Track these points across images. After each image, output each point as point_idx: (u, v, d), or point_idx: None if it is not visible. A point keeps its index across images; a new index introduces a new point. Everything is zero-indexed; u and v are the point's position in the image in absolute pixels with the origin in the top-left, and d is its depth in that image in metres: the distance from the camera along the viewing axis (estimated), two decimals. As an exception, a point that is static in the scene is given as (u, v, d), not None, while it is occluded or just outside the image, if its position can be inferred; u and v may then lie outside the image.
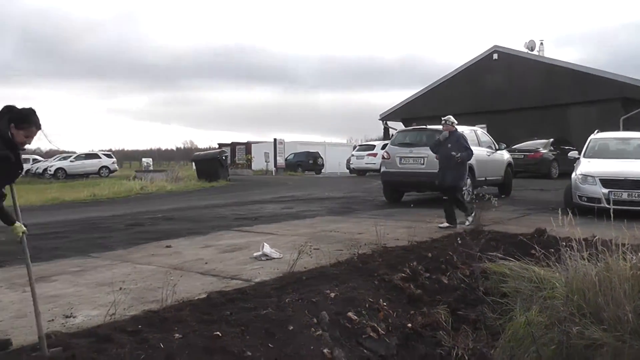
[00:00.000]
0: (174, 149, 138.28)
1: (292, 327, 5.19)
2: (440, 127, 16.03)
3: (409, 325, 6.18)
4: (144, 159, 65.85)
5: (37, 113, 4.67)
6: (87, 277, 7.25)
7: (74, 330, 4.99)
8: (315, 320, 5.46)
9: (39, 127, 4.63)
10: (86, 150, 48.57)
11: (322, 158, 48.82)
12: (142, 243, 9.80)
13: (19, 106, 4.62)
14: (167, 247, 9.25)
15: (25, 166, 50.61)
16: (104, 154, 47.32)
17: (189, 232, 11.08)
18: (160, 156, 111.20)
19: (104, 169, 44.72)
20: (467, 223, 10.77)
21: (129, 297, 5.75)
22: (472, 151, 11.16)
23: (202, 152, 38.28)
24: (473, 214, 10.98)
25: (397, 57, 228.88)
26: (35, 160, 52.80)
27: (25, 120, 4.54)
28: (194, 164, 37.32)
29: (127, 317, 5.25)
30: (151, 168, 49.73)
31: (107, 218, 14.29)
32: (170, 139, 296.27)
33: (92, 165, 44.73)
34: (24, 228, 4.72)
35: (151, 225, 12.29)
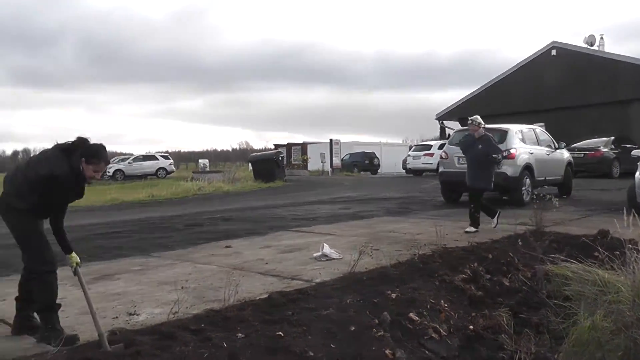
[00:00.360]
0: (230, 150, 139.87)
1: (353, 328, 5.16)
2: (498, 125, 15.86)
3: (471, 327, 6.07)
4: (200, 160, 66.75)
5: (106, 149, 4.90)
6: (149, 275, 7.37)
7: (137, 327, 5.06)
8: (376, 320, 5.41)
9: (107, 162, 4.91)
10: (144, 152, 49.52)
11: (378, 158, 48.64)
12: (201, 243, 9.90)
13: (91, 141, 4.83)
14: (227, 247, 9.32)
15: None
16: (161, 156, 48.14)
17: (247, 232, 11.14)
18: (216, 157, 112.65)
19: (161, 170, 45.45)
20: (493, 225, 10.56)
21: (191, 296, 5.80)
22: (503, 152, 11.16)
23: (258, 153, 38.56)
24: (497, 214, 10.72)
25: (454, 56, 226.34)
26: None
27: (95, 156, 4.76)
28: (250, 164, 37.56)
29: (189, 316, 5.29)
30: (208, 169, 50.42)
31: (166, 218, 14.50)
32: (226, 140, 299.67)
33: (149, 166, 45.54)
34: (78, 259, 4.89)
35: (210, 226, 12.41)
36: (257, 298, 5.92)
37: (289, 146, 59.24)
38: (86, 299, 4.75)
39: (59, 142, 4.93)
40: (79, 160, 4.70)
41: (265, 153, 36.93)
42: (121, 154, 62.61)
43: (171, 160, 48.41)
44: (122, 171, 44.24)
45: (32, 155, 5.09)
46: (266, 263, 7.96)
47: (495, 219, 10.66)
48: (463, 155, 15.23)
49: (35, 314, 5.02)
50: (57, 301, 4.92)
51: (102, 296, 6.28)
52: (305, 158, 52.90)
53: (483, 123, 10.67)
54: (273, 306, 5.60)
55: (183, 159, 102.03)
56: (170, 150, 79.63)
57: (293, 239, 10.18)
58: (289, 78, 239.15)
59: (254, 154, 40.73)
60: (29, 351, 4.57)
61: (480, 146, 10.44)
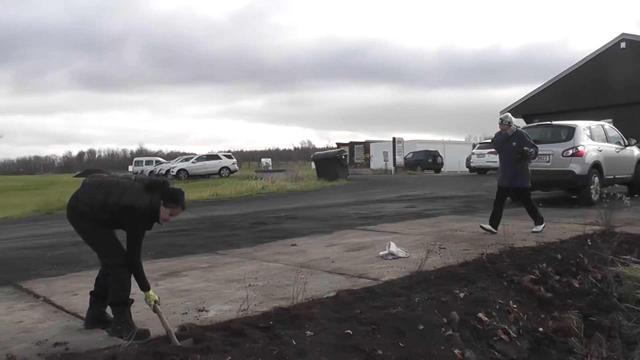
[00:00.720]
0: (292, 149, 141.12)
1: (422, 327, 5.12)
2: (565, 122, 15.43)
3: (540, 329, 5.96)
4: (263, 159, 67.43)
5: (183, 193, 5.06)
6: (216, 273, 7.46)
7: (207, 323, 5.12)
8: (445, 320, 5.36)
9: (184, 208, 5.02)
10: (206, 152, 50.13)
11: (441, 157, 48.23)
12: (267, 241, 9.98)
13: (171, 185, 5.08)
14: (293, 245, 9.36)
15: (149, 168, 53.59)
16: (224, 155, 48.63)
17: (312, 230, 11.19)
18: (279, 156, 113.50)
19: (224, 169, 45.87)
20: (535, 230, 10.00)
21: (259, 294, 5.84)
22: (537, 148, 10.23)
23: (321, 152, 38.65)
24: (543, 225, 10.12)
25: (518, 50, 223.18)
26: (158, 162, 55.25)
27: (173, 200, 4.93)
28: (313, 163, 37.74)
29: (258, 313, 5.32)
30: (270, 168, 50.78)
31: (231, 217, 14.68)
32: (288, 139, 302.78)
33: (213, 166, 46.03)
34: (157, 297, 4.97)
35: (275, 224, 12.50)
36: (325, 296, 5.93)
37: (351, 145, 59.27)
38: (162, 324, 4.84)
39: (140, 176, 5.24)
40: (158, 201, 4.87)
41: (328, 152, 37.01)
42: (184, 153, 63.74)
43: (234, 160, 48.88)
44: (186, 171, 44.87)
45: (115, 177, 5.20)
46: (332, 261, 7.95)
47: (540, 227, 10.07)
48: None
49: (108, 308, 5.15)
50: (130, 296, 5.03)
51: (170, 292, 6.40)
52: (368, 157, 52.85)
53: (514, 121, 10.26)
54: (341, 304, 5.59)
55: (246, 158, 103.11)
56: (232, 150, 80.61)
57: (359, 237, 10.15)
58: (350, 76, 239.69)
59: (317, 152, 40.82)
60: (101, 344, 4.68)
61: (514, 143, 9.98)
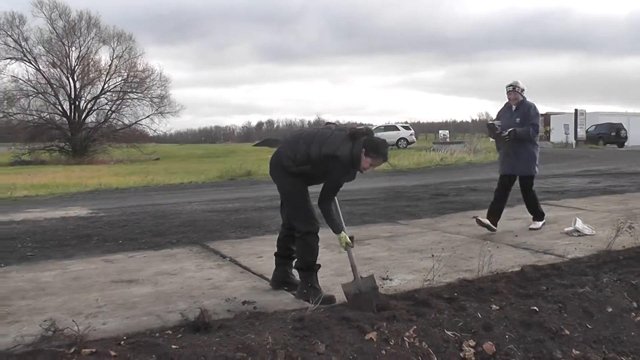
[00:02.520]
0: (469, 121, 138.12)
1: (610, 309, 4.92)
2: None
3: None
4: (440, 131, 66.69)
5: (386, 144, 5.05)
6: (398, 242, 7.53)
7: (391, 292, 5.17)
8: (635, 304, 5.11)
9: (385, 159, 4.98)
10: (384, 123, 50.33)
11: (625, 130, 45.37)
12: (448, 212, 9.98)
13: (375, 134, 5.08)
14: (474, 217, 9.19)
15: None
16: (402, 126, 48.64)
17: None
18: (456, 128, 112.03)
19: (402, 140, 45.88)
20: (533, 227, 8.40)
21: (442, 265, 5.78)
22: (538, 127, 8.32)
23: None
24: (543, 222, 8.50)
25: None
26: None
27: (375, 150, 4.90)
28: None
29: (442, 284, 5.30)
30: (448, 140, 50.12)
31: (410, 188, 14.70)
32: (465, 111, 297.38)
33: (390, 137, 45.96)
34: (348, 239, 5.03)
35: (456, 196, 12.41)
36: (510, 271, 5.82)
37: (531, 117, 57.18)
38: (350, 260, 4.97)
39: (342, 125, 5.34)
40: (360, 148, 4.88)
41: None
42: (361, 124, 64.24)
43: (412, 131, 48.78)
44: (364, 142, 45.32)
45: (316, 129, 5.32)
46: (516, 235, 7.83)
47: (539, 223, 8.47)
48: None
49: (294, 271, 5.32)
50: (317, 262, 5.17)
51: (355, 259, 6.47)
52: (548, 129, 50.72)
53: (525, 89, 8.31)
54: (526, 280, 5.49)
55: (423, 129, 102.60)
56: (410, 121, 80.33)
57: (543, 212, 9.78)
58: (529, 46, 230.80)
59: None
60: (288, 306, 4.87)
61: (518, 119, 8.14)
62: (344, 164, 4.88)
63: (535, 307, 4.72)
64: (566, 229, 7.91)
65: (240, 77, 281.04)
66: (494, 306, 4.74)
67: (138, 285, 5.67)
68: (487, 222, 8.18)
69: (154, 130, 56.37)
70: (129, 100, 54.19)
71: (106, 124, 53.63)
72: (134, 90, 54.14)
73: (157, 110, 54.32)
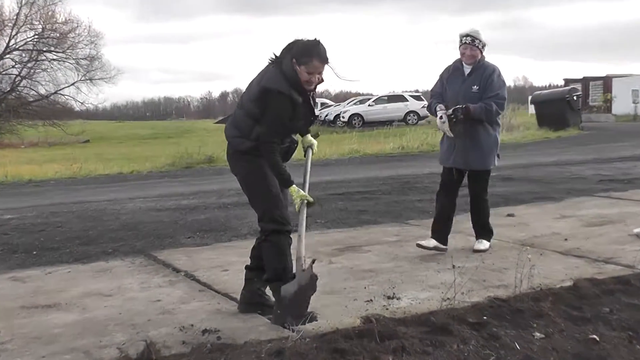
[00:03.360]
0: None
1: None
2: None
3: None
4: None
5: (322, 44, 5.02)
6: (407, 248, 7.53)
7: (399, 315, 5.13)
8: None
9: (324, 60, 4.96)
10: (388, 92, 50.21)
11: None
12: (474, 209, 9.88)
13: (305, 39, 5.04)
14: (509, 215, 9.28)
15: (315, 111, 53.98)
16: (412, 96, 48.35)
17: (534, 196, 11.09)
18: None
19: (411, 114, 45.64)
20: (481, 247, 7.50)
21: (466, 279, 5.77)
22: (504, 101, 7.45)
23: (543, 92, 37.90)
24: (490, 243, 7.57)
25: None
26: (324, 105, 55.95)
27: (304, 54, 4.91)
28: (532, 107, 36.98)
29: (467, 304, 5.28)
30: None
31: (423, 176, 14.72)
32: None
33: (396, 110, 45.87)
34: (303, 193, 5.04)
35: (483, 187, 12.33)
36: (558, 286, 5.80)
37: (585, 81, 57.21)
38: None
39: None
40: (290, 64, 4.92)
41: (553, 91, 36.40)
42: (358, 94, 64.05)
43: (424, 102, 48.55)
44: (361, 116, 45.23)
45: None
46: (565, 239, 7.82)
47: (487, 243, 7.55)
48: None
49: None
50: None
51: (350, 272, 6.52)
52: (609, 97, 50.91)
53: (486, 44, 7.47)
54: (581, 298, 5.46)
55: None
56: (421, 90, 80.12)
57: (601, 207, 9.92)
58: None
59: (537, 92, 39.91)
60: (263, 334, 4.83)
61: (475, 87, 7.29)
62: (280, 91, 4.90)
63: (594, 336, 4.67)
64: (635, 230, 7.92)
65: (199, 33, 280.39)
66: (538, 334, 4.70)
67: (59, 312, 5.63)
68: (434, 243, 7.31)
69: (81, 103, 56.30)
70: (46, 63, 54.01)
71: (14, 94, 53.32)
72: (53, 49, 53.78)
73: (85, 76, 54.12)
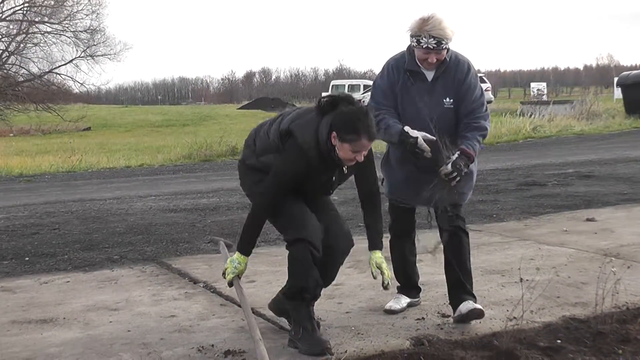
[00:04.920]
0: (581, 68, 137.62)
1: None
2: None
3: None
4: (533, 85, 66.49)
5: (370, 114, 4.94)
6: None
7: (456, 336, 5.16)
8: None
9: (372, 137, 4.88)
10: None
11: None
12: (547, 212, 9.99)
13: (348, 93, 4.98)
14: (589, 220, 9.24)
15: (354, 95, 54.06)
16: (473, 77, 48.31)
17: (621, 198, 11.05)
18: (558, 80, 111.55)
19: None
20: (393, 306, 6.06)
21: (536, 294, 5.76)
22: (488, 114, 5.92)
23: (634, 72, 37.38)
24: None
25: None
26: (367, 88, 56.16)
27: (349, 130, 4.77)
28: (618, 90, 36.66)
29: (537, 325, 5.30)
30: (545, 98, 49.97)
31: (485, 173, 14.61)
32: (575, 53, 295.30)
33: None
34: (236, 268, 5.05)
35: (558, 186, 12.45)
36: (649, 305, 5.76)
37: (685, 60, 56.67)
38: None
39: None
40: (327, 131, 4.84)
41: (645, 72, 35.83)
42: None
43: (488, 84, 48.61)
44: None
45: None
46: (659, 249, 7.77)
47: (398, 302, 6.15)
48: None
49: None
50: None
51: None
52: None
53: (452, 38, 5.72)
54: (678, 320, 5.43)
55: (505, 82, 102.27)
56: (482, 70, 79.66)
57: None
58: None
59: (625, 73, 39.48)
60: (295, 357, 4.90)
61: (447, 100, 5.76)
62: (302, 147, 4.87)
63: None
64: None
65: (219, 4, 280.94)
66: (624, 363, 4.71)
67: (57, 328, 5.69)
68: (405, 300, 6.10)
69: (81, 84, 56.30)
70: (39, 36, 53.93)
71: (0, 72, 53.30)
72: (47, 19, 53.79)
73: (85, 52, 54.20)
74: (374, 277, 5.07)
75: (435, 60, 5.55)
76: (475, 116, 5.66)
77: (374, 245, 5.15)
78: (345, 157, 4.79)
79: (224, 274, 5.05)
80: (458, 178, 5.43)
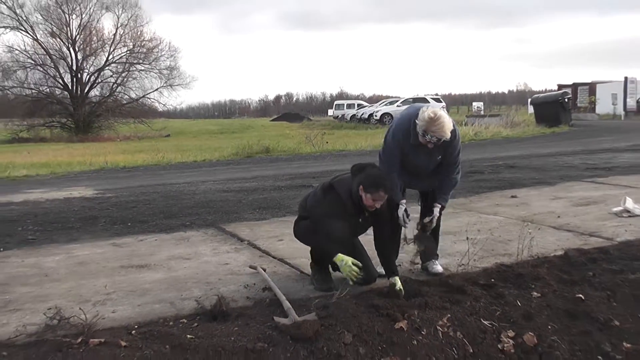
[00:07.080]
0: (506, 92, 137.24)
1: (668, 299, 4.84)
2: None
3: None
4: (474, 103, 66.29)
5: (388, 177, 4.90)
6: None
7: (422, 277, 5.18)
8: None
9: (388, 192, 4.80)
10: (412, 95, 50.01)
11: (683, 100, 44.60)
12: (484, 192, 9.93)
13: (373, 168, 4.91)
14: (513, 197, 9.22)
15: (350, 111, 54.88)
16: (433, 98, 48.13)
17: (534, 181, 10.96)
18: (491, 100, 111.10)
19: (431, 113, 45.44)
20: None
21: (478, 248, 5.76)
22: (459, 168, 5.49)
23: (541, 95, 37.55)
24: None
25: None
26: (360, 106, 56.09)
27: (372, 185, 4.74)
28: (531, 107, 36.69)
29: (478, 269, 5.31)
30: (482, 113, 49.80)
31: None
32: (501, 81, 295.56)
33: (419, 109, 45.67)
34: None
35: (492, 173, 12.33)
36: (552, 255, 5.80)
37: (574, 86, 56.35)
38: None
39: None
40: (357, 188, 4.81)
41: (549, 94, 36.10)
42: (388, 97, 64.03)
43: (443, 103, 48.29)
44: (390, 115, 44.98)
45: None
46: (558, 216, 7.74)
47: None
48: None
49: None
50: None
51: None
52: (593, 99, 50.15)
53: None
54: (570, 265, 5.45)
55: (455, 102, 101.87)
56: (440, 93, 79.70)
57: (587, 190, 9.80)
58: (580, 6, 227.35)
59: (536, 95, 39.53)
60: (312, 292, 4.91)
61: (439, 157, 5.32)
62: (339, 194, 4.87)
63: (581, 295, 4.70)
64: (615, 209, 7.81)
65: (257, 48, 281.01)
66: (535, 294, 4.72)
67: (149, 271, 5.72)
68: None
69: (163, 105, 56.53)
70: (136, 73, 54.36)
71: (111, 98, 53.71)
72: (141, 61, 54.22)
73: (166, 82, 54.42)
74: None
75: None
76: (452, 169, 5.38)
77: (391, 273, 4.86)
78: (368, 204, 4.76)
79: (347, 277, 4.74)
80: (434, 224, 5.37)
